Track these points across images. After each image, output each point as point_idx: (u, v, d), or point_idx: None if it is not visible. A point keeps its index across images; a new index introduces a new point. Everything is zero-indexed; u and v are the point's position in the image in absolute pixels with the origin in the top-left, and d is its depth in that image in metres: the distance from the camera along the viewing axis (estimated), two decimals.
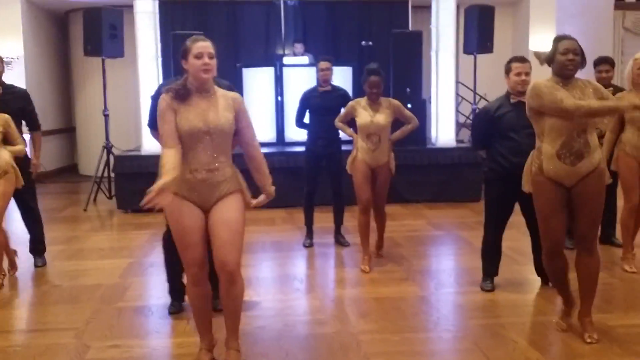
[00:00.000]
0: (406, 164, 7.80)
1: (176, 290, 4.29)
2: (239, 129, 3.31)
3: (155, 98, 4.21)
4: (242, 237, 3.26)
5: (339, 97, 5.92)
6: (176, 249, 3.92)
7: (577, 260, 3.68)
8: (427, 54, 9.20)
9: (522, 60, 4.42)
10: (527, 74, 4.37)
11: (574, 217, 3.64)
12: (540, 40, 10.95)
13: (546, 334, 3.83)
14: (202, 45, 3.18)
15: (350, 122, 5.48)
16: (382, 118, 5.22)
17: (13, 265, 5.22)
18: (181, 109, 3.17)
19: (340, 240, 6.13)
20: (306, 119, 6.15)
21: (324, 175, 6.11)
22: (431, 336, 3.87)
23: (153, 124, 4.24)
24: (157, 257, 5.62)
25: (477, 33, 9.10)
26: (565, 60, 3.62)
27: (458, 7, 9.28)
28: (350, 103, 5.43)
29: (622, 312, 4.17)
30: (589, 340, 3.61)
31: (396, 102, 5.37)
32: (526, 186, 3.75)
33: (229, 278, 3.20)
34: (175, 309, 4.26)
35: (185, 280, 3.79)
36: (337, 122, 5.56)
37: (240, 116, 3.28)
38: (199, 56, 3.15)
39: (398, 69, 8.53)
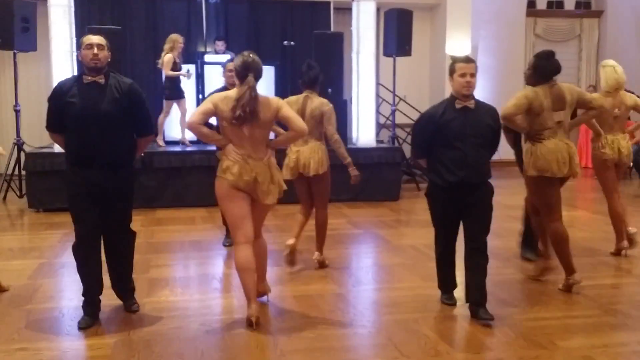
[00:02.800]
0: None
1: (90, 304, 4.00)
2: None
3: (51, 99, 3.94)
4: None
5: None
6: (85, 250, 3.90)
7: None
8: (348, 55, 9.33)
9: (467, 60, 4.04)
10: (473, 75, 3.97)
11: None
12: (456, 45, 11.30)
13: (456, 328, 3.98)
14: None
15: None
16: None
17: None
18: None
19: None
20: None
21: None
22: (347, 332, 3.93)
23: (53, 126, 3.98)
24: (69, 258, 5.42)
25: (396, 36, 9.31)
26: None
27: (378, 10, 9.47)
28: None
29: (528, 306, 4.38)
30: None
31: None
32: None
33: None
34: (87, 324, 3.93)
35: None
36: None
37: None
38: None
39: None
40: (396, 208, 8.27)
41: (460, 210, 4.06)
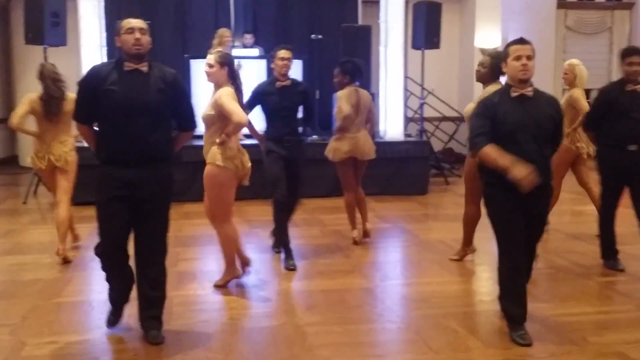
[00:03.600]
0: None
1: (116, 300, 3.80)
2: None
3: (84, 85, 3.54)
4: None
5: (299, 94, 5.28)
6: (110, 259, 3.61)
7: None
8: (375, 48, 9.26)
9: (522, 41, 3.56)
10: (530, 57, 3.51)
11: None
12: (486, 37, 11.15)
13: (485, 323, 3.92)
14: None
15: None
16: None
17: None
18: None
19: None
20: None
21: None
22: (375, 327, 3.90)
23: (83, 116, 3.57)
24: None
25: (425, 29, 9.20)
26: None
27: (406, 2, 9.36)
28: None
29: (559, 301, 4.29)
30: None
31: None
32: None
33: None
34: (115, 319, 3.80)
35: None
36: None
37: None
38: None
39: None
40: (424, 202, 8.21)
41: (523, 214, 3.58)
